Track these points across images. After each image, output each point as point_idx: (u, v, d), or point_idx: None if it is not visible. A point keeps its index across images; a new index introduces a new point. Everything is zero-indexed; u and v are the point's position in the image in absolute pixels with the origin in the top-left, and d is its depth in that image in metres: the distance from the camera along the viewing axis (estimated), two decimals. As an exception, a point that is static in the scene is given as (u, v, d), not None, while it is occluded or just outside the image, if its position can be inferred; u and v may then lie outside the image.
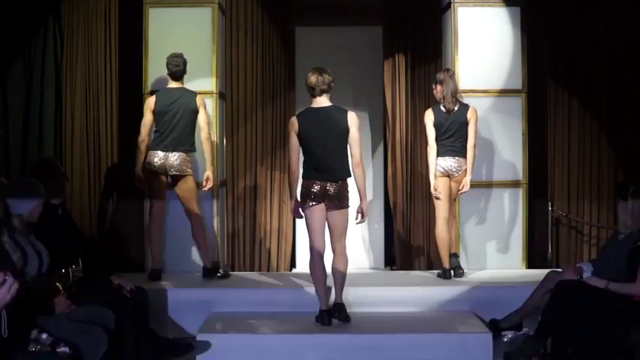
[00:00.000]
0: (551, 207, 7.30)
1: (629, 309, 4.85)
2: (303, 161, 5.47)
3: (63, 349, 3.95)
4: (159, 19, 7.05)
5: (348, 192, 5.47)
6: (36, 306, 4.11)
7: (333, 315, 5.50)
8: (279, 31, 7.46)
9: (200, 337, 5.33)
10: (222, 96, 7.18)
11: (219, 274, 6.52)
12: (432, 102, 7.31)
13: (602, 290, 4.92)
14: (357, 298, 5.93)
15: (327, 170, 5.38)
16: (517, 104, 7.12)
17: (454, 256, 6.56)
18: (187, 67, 6.46)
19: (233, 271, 7.35)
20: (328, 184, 5.38)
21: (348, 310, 5.53)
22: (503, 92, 7.13)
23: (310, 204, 5.39)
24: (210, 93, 6.93)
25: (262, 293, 6.17)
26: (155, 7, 7.06)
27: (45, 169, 5.08)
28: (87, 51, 7.35)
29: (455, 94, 6.42)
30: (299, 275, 7.01)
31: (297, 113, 5.51)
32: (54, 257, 4.46)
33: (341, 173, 5.42)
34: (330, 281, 5.56)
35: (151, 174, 6.37)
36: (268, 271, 7.37)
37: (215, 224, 7.02)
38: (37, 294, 4.19)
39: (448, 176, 6.44)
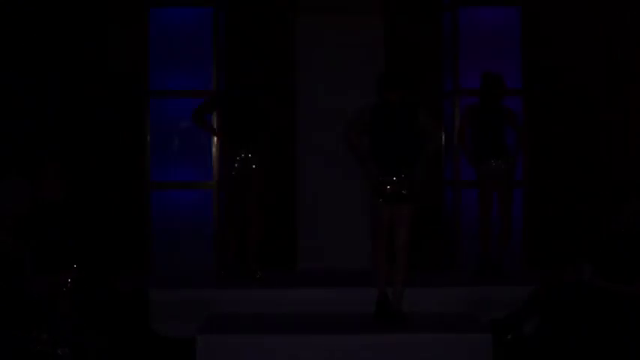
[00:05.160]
0: (551, 207, 7.29)
1: (630, 310, 4.85)
2: (375, 152, 5.57)
3: (63, 349, 3.96)
4: (159, 19, 7.07)
5: (415, 184, 5.55)
6: (35, 306, 4.11)
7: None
8: (279, 30, 7.45)
9: (200, 337, 5.34)
10: (222, 96, 7.18)
11: (257, 276, 6.49)
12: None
13: (602, 291, 4.92)
14: (357, 298, 5.94)
15: (397, 163, 5.49)
16: (517, 104, 7.13)
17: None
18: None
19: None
20: (397, 178, 5.48)
21: (348, 310, 5.53)
22: (503, 92, 7.15)
23: (382, 200, 5.52)
24: (211, 93, 6.93)
25: (262, 293, 6.16)
26: (155, 7, 7.07)
27: (44, 168, 5.07)
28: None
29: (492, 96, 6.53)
30: (300, 274, 7.02)
31: (369, 106, 5.62)
32: (53, 257, 4.47)
33: (408, 167, 5.52)
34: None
35: (233, 179, 6.44)
36: (269, 270, 7.35)
37: (215, 224, 7.03)
38: (35, 294, 4.20)
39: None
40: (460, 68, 7.07)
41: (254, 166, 6.41)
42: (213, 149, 7.02)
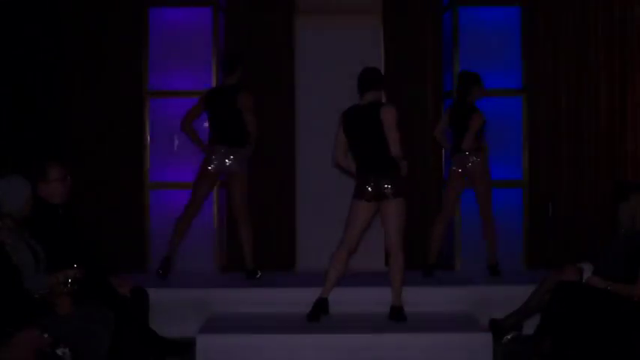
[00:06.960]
0: (552, 207, 7.30)
1: (630, 310, 4.85)
2: (354, 157, 5.57)
3: (63, 349, 3.95)
4: (159, 19, 7.07)
5: (400, 181, 5.47)
6: (35, 306, 4.11)
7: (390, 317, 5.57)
8: (279, 31, 7.44)
9: (200, 337, 5.34)
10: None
11: (257, 276, 6.52)
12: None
13: (602, 291, 4.92)
14: (357, 298, 5.95)
15: (375, 164, 5.45)
16: (517, 104, 7.13)
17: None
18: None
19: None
20: (380, 178, 5.43)
21: (348, 310, 5.53)
22: (504, 92, 7.15)
23: (363, 200, 5.48)
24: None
25: (262, 293, 6.16)
26: (155, 6, 7.07)
27: (46, 169, 5.06)
28: (87, 51, 7.35)
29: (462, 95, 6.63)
30: (299, 274, 7.02)
31: (345, 110, 5.62)
32: (53, 257, 4.46)
33: (387, 165, 5.45)
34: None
35: (206, 173, 6.42)
36: (269, 270, 7.35)
37: (215, 224, 7.04)
38: (35, 294, 4.20)
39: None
40: (460, 68, 7.06)
41: (235, 168, 6.40)
42: (213, 149, 7.01)
